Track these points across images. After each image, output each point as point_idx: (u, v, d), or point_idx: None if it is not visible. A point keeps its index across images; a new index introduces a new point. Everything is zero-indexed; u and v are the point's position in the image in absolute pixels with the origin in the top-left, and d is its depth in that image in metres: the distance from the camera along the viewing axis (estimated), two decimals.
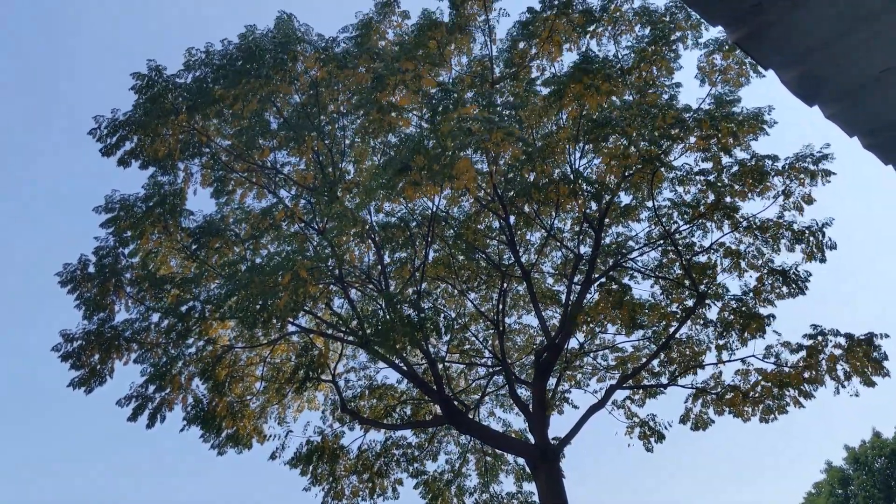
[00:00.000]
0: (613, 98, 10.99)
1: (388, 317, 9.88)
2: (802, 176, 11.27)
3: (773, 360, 11.51)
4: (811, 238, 11.44)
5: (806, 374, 11.08)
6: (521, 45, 11.96)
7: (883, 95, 2.34)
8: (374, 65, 10.97)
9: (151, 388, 11.51)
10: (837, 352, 10.97)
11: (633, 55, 11.48)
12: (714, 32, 11.56)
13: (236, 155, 12.02)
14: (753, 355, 11.60)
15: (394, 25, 12.07)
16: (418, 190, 8.97)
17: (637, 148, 10.74)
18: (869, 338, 10.82)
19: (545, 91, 11.27)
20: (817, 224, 11.35)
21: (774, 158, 11.31)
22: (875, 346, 10.75)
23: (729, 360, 11.80)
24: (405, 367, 11.77)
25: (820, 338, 11.16)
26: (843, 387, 10.77)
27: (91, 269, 11.26)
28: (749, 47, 2.28)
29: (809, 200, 11.37)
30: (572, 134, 11.06)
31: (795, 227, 11.51)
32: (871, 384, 10.65)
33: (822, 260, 11.39)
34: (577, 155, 11.67)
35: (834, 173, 11.13)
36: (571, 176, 10.81)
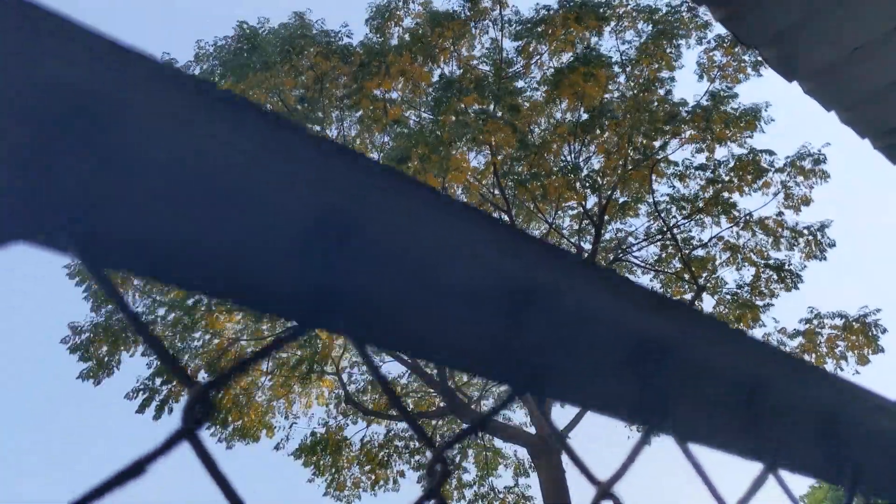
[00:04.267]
0: (610, 93, 11.17)
1: None
2: (800, 177, 11.48)
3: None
4: (810, 238, 11.65)
5: (806, 357, 11.29)
6: (528, 41, 12.11)
7: (856, 72, 2.49)
8: (365, 56, 11.12)
9: (158, 381, 11.72)
10: (835, 333, 11.22)
11: (634, 51, 11.65)
12: (718, 30, 11.71)
13: None
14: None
15: (412, 14, 12.12)
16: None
17: (632, 142, 10.91)
18: (863, 316, 11.08)
19: (543, 88, 11.46)
20: (818, 223, 11.58)
21: (770, 153, 11.49)
22: (871, 324, 11.00)
23: None
24: (408, 360, 11.95)
25: (816, 321, 11.40)
26: (842, 370, 11.00)
27: None
28: (732, 26, 2.44)
29: (807, 201, 11.56)
30: (571, 127, 11.24)
31: (797, 227, 11.72)
32: (866, 361, 10.89)
33: (823, 258, 11.63)
34: (576, 151, 11.84)
35: (829, 175, 11.37)
36: (569, 170, 10.99)
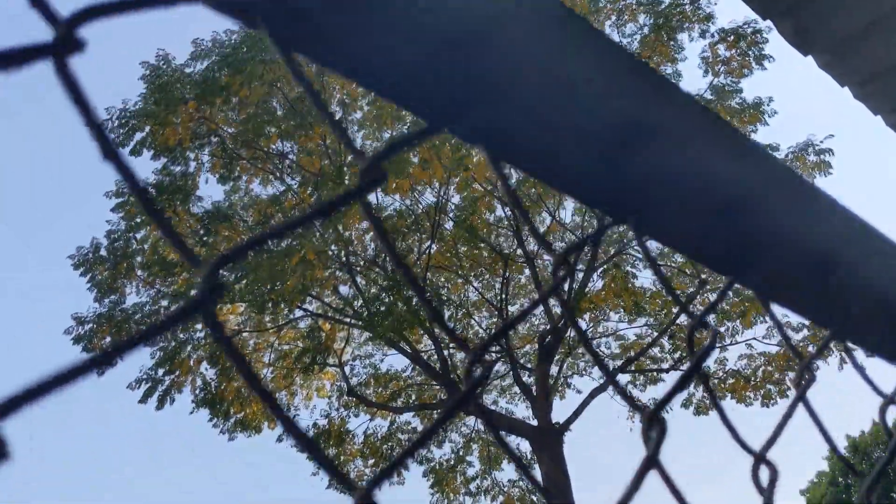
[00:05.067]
0: None
1: (392, 301, 10.11)
2: (802, 167, 11.51)
3: (776, 340, 11.74)
4: None
5: (810, 349, 11.37)
6: None
7: (870, 47, 2.51)
8: None
9: (161, 372, 11.75)
10: None
11: (636, 44, 11.67)
12: (721, 23, 11.74)
13: (243, 142, 12.21)
14: (755, 338, 11.83)
15: None
16: (426, 172, 9.15)
17: None
18: None
19: None
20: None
21: (776, 148, 11.52)
22: None
23: (731, 344, 12.01)
24: (410, 351, 11.98)
25: None
26: (846, 362, 11.05)
27: (103, 252, 11.49)
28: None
29: None
30: None
31: None
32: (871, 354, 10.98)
33: None
34: None
35: (832, 167, 11.42)
36: None
